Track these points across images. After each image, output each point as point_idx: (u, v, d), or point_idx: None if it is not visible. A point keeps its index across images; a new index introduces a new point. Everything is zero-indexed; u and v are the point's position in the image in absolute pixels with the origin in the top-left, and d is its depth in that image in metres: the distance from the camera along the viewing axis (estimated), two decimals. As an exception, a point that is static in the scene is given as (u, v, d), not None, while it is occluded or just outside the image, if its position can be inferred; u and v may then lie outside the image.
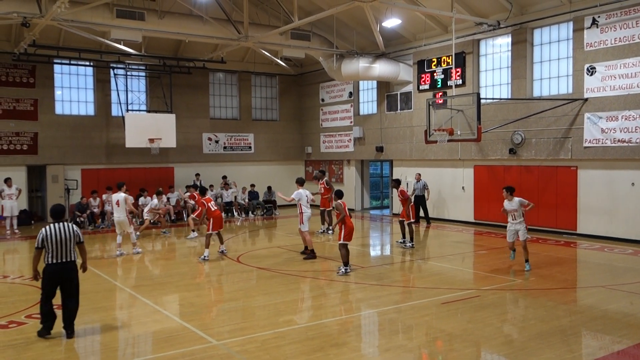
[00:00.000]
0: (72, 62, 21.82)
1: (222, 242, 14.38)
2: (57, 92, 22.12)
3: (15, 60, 20.40)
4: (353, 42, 22.10)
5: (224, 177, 23.65)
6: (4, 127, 20.78)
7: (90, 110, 22.81)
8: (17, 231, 18.87)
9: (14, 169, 20.68)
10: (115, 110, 22.92)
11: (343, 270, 11.79)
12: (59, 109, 22.11)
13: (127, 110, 22.23)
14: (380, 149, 22.95)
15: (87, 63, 22.22)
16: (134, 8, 17.83)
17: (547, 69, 17.46)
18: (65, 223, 7.91)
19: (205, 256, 13.47)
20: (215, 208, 14.16)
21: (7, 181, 18.95)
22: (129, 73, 22.88)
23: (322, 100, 26.29)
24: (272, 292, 10.54)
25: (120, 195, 14.33)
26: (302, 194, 13.62)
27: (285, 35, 19.99)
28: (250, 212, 23.37)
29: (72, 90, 22.53)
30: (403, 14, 19.06)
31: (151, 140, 21.16)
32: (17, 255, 15.93)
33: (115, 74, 22.59)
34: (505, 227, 12.29)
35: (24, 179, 21.09)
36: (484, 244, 15.96)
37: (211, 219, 13.76)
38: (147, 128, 21.20)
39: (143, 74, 23.59)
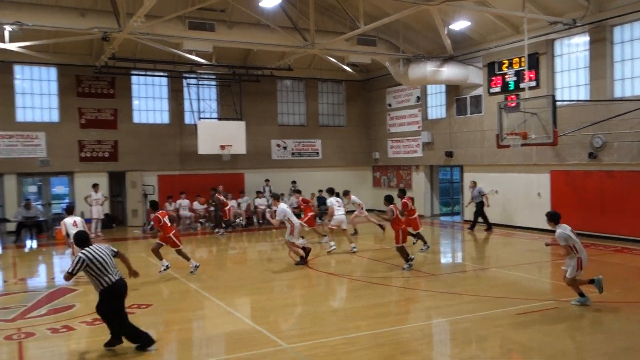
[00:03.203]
0: (148, 73, 22.81)
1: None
2: (135, 102, 23.16)
3: (97, 73, 21.55)
4: (420, 46, 21.88)
5: (294, 182, 23.95)
6: (87, 135, 21.97)
7: (165, 119, 23.73)
8: (100, 234, 19.94)
9: (96, 176, 21.84)
10: (188, 119, 23.73)
11: (407, 266, 12.60)
12: (136, 118, 23.14)
13: (200, 118, 22.96)
14: (449, 154, 22.56)
15: (162, 74, 23.14)
16: (205, 20, 18.41)
17: (630, 68, 16.57)
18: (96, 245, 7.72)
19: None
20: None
21: (95, 187, 20.10)
22: (200, 82, 23.66)
23: (389, 105, 26.15)
24: (341, 298, 10.58)
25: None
26: (286, 208, 13.74)
27: (351, 41, 20.05)
28: (318, 218, 23.51)
29: (148, 100, 23.53)
30: (472, 16, 18.69)
31: (222, 147, 21.75)
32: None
33: (187, 84, 23.41)
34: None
35: (105, 184, 22.18)
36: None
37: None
38: (219, 135, 21.82)
39: (214, 82, 24.30)
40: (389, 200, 12.94)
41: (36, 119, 21.48)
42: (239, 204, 22.14)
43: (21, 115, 21.20)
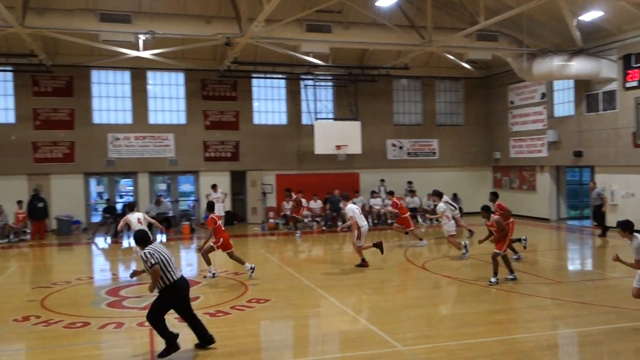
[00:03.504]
0: (268, 75, 23.60)
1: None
2: (255, 104, 24.06)
3: (220, 77, 22.66)
4: (545, 40, 20.64)
5: (409, 183, 23.64)
6: (212, 136, 23.18)
7: (283, 120, 24.41)
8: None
9: (219, 175, 22.99)
10: (305, 119, 24.23)
11: (512, 276, 11.46)
12: (256, 119, 24.04)
13: (316, 118, 23.36)
14: (578, 154, 21.05)
15: (280, 76, 23.83)
16: (322, 22, 18.68)
17: None
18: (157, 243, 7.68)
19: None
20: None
21: (214, 187, 21.16)
22: (317, 83, 24.07)
23: (511, 102, 24.96)
24: (458, 302, 10.22)
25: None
26: (355, 209, 13.38)
27: (471, 37, 19.37)
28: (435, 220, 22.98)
29: (268, 102, 24.33)
30: (605, 5, 17.28)
31: (338, 147, 21.95)
32: (220, 252, 17.56)
33: (305, 85, 23.90)
34: None
35: (227, 183, 23.28)
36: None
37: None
38: (334, 135, 22.05)
39: (330, 83, 24.61)
40: (486, 210, 11.70)
41: (166, 121, 23.02)
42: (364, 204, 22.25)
43: (153, 118, 22.83)
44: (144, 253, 7.27)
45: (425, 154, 25.83)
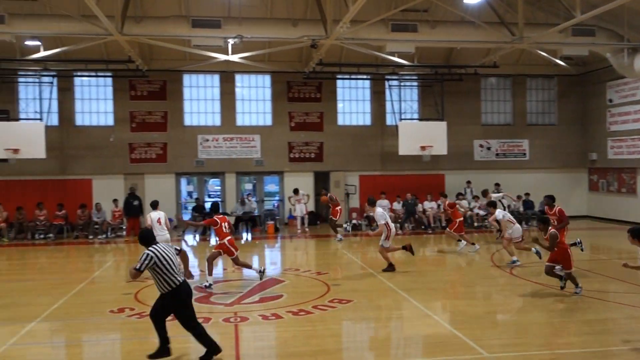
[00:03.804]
0: (352, 76, 23.61)
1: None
2: (339, 105, 24.14)
3: (306, 79, 22.94)
4: (650, 33, 19.27)
5: (497, 185, 22.84)
6: (296, 137, 23.51)
7: (367, 121, 24.33)
8: (307, 230, 21.24)
9: (303, 175, 23.30)
10: (389, 120, 24.03)
11: (579, 289, 10.54)
12: (340, 120, 24.11)
13: (401, 119, 23.08)
14: (685, 155, 19.49)
15: (365, 76, 23.77)
16: (408, 21, 18.44)
17: None
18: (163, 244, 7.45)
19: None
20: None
21: (296, 192, 21.46)
22: (402, 83, 23.79)
23: (610, 100, 23.48)
24: (549, 310, 9.72)
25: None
26: (385, 213, 13.28)
27: (565, 33, 18.40)
28: (524, 223, 22.07)
29: (352, 103, 24.34)
30: None
31: (423, 148, 21.58)
32: (303, 252, 17.81)
33: (389, 85, 23.69)
34: None
35: (311, 184, 23.53)
36: None
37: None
38: (419, 136, 21.69)
39: (415, 83, 24.25)
40: (544, 222, 10.81)
41: (252, 122, 23.60)
42: (438, 206, 21.77)
43: (240, 120, 23.48)
44: (143, 254, 7.11)
45: (515, 155, 24.86)
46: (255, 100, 23.73)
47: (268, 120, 23.68)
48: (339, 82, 23.99)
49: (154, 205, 13.59)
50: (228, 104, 23.26)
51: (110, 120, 22.63)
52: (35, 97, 21.30)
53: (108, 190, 21.75)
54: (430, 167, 23.62)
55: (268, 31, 18.20)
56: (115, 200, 20.99)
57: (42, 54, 19.08)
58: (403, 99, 23.72)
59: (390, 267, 13.18)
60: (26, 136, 19.34)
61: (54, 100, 21.68)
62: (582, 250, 13.11)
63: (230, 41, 17.62)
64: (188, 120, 23.17)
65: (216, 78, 23.31)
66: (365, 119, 24.38)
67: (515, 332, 8.57)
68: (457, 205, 16.94)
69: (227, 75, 23.06)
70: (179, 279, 7.15)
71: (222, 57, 19.66)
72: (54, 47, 19.15)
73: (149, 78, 22.18)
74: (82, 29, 16.90)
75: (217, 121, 23.29)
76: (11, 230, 20.02)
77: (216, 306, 10.15)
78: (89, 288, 12.01)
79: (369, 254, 16.04)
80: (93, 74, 21.95)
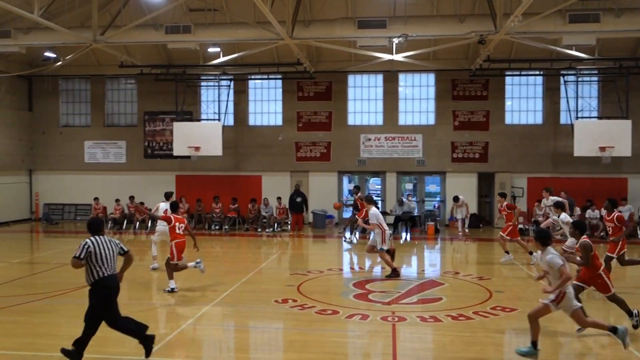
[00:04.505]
0: (523, 72, 22.27)
1: None
2: (507, 103, 22.95)
3: (472, 76, 22.15)
4: None
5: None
6: (460, 137, 22.81)
7: (539, 119, 22.81)
8: (467, 232, 20.50)
9: (466, 176, 22.58)
10: (563, 118, 22.29)
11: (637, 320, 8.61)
12: (508, 119, 22.91)
13: (577, 117, 21.26)
14: None
15: (537, 72, 22.30)
16: (588, 10, 16.91)
17: None
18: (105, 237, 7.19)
19: None
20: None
21: (456, 199, 20.62)
22: (580, 79, 21.88)
23: None
24: None
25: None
26: (378, 213, 12.78)
27: None
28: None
29: (522, 100, 22.99)
30: None
31: (602, 149, 19.65)
32: (463, 255, 17.21)
33: (565, 81, 21.95)
34: None
35: (474, 185, 22.70)
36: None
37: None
38: (598, 135, 19.79)
39: (595, 78, 22.20)
40: (581, 229, 8.64)
41: (415, 122, 23.37)
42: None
43: (403, 119, 23.38)
44: (81, 243, 6.98)
45: None
46: (419, 99, 23.47)
47: (431, 120, 23.29)
48: (508, 79, 22.80)
49: (168, 197, 13.84)
50: (391, 103, 23.30)
51: (279, 120, 23.89)
52: (215, 100, 23.23)
53: (276, 186, 23.03)
54: (610, 170, 21.48)
55: (434, 29, 17.88)
56: (279, 198, 22.09)
57: (222, 59, 20.74)
58: (580, 96, 21.80)
59: (394, 273, 12.53)
60: (206, 135, 21.16)
61: (230, 102, 23.51)
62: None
63: (395, 40, 17.60)
64: (351, 120, 23.64)
65: (380, 78, 23.47)
66: (535, 118, 22.88)
67: None
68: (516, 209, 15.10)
69: (390, 75, 23.11)
70: (107, 273, 6.97)
71: (386, 56, 19.74)
72: (231, 53, 20.70)
73: (316, 79, 23.02)
74: (257, 35, 18.08)
75: (380, 120, 23.45)
76: (191, 220, 22.07)
77: (374, 304, 10.18)
78: (257, 278, 12.78)
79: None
80: (265, 76, 23.36)
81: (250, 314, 9.77)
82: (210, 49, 20.68)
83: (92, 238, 7.04)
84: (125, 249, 7.28)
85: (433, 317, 9.25)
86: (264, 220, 21.63)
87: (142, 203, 21.96)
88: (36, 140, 24.91)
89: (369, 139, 23.20)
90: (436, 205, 23.93)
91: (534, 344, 7.11)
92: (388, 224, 13.57)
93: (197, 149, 20.90)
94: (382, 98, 23.46)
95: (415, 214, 21.55)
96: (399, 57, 19.60)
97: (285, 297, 10.57)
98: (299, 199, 21.48)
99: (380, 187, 24.46)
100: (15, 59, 22.89)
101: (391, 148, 23.09)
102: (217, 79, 23.04)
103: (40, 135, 24.91)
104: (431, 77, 23.27)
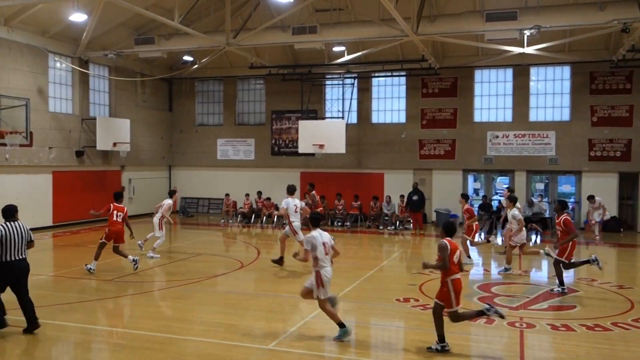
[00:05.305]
0: (674, 63, 20.17)
1: None
2: (654, 96, 20.93)
3: (613, 68, 20.44)
4: None
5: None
6: (599, 134, 21.17)
7: (693, 114, 20.57)
8: (597, 236, 18.87)
9: (605, 176, 20.95)
10: None
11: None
12: (655, 114, 20.91)
13: None
14: None
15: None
16: None
17: None
18: (19, 222, 8.06)
19: None
20: None
21: (590, 198, 19.13)
22: None
23: None
24: None
25: None
26: (290, 203, 13.10)
27: None
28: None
29: (672, 94, 20.85)
30: None
31: None
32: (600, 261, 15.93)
33: None
34: None
35: (615, 186, 20.98)
36: None
37: None
38: None
39: None
40: (445, 228, 7.78)
41: (547, 118, 22.05)
42: None
43: (534, 115, 22.17)
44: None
45: None
46: (552, 93, 22.13)
47: (565, 115, 21.85)
48: (655, 70, 20.79)
49: (172, 194, 15.37)
50: (521, 98, 22.20)
51: (402, 118, 23.70)
52: (339, 98, 23.57)
53: (398, 184, 22.86)
54: None
55: (570, 18, 16.74)
56: (401, 196, 21.88)
57: (346, 58, 21.01)
58: None
59: (279, 260, 13.04)
60: (330, 133, 21.53)
61: (354, 100, 23.73)
62: (599, 268, 11.16)
63: (527, 33, 16.74)
64: (478, 117, 22.86)
65: (509, 72, 22.44)
66: (688, 113, 20.65)
67: None
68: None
69: (521, 69, 22.01)
70: (16, 257, 7.85)
71: (516, 50, 18.87)
72: (356, 51, 20.90)
73: (441, 76, 22.54)
74: (381, 32, 18.09)
75: (508, 117, 22.43)
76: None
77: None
78: (378, 275, 12.80)
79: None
80: (389, 74, 23.27)
81: (372, 311, 9.81)
82: (335, 48, 21.03)
83: (3, 224, 7.95)
84: (31, 239, 8.20)
85: (565, 325, 8.70)
86: (386, 218, 21.57)
87: (268, 199, 22.91)
88: (175, 138, 26.88)
89: (497, 136, 22.29)
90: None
91: None
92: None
93: (321, 146, 21.35)
94: (511, 93, 22.43)
95: (547, 216, 20.35)
96: (530, 49, 18.64)
97: (407, 296, 10.48)
98: (415, 197, 21.16)
99: (507, 186, 23.40)
100: (157, 63, 24.90)
101: (521, 146, 22.00)
102: (342, 78, 23.37)
103: (178, 133, 26.85)
104: (566, 70, 21.83)
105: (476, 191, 25.37)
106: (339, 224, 22.22)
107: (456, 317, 7.52)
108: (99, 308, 9.93)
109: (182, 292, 10.48)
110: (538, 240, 18.98)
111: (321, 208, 17.91)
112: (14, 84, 18.35)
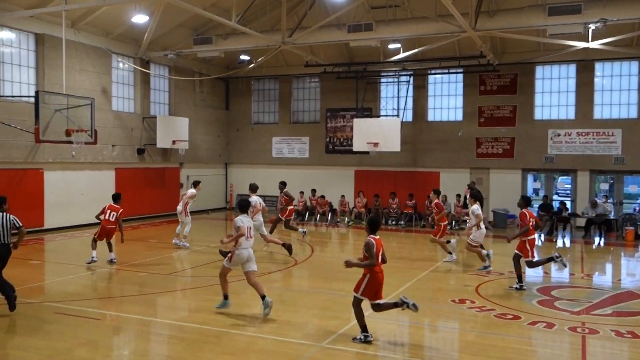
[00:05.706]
0: None
1: None
2: None
3: (685, 62, 19.39)
4: None
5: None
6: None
7: None
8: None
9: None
10: None
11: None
12: None
13: None
14: None
15: None
16: None
17: None
18: (4, 213, 8.93)
19: None
20: None
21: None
22: None
23: None
24: None
25: None
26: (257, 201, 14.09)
27: None
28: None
29: None
30: None
31: None
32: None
33: None
34: None
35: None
36: None
37: None
38: None
39: None
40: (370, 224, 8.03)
41: (613, 115, 21.11)
42: None
43: (598, 112, 21.28)
44: None
45: None
46: (618, 90, 21.15)
47: (633, 113, 20.86)
48: None
49: (196, 184, 16.03)
50: (585, 95, 21.34)
51: (459, 116, 23.25)
52: (394, 96, 23.36)
53: (454, 182, 22.42)
54: None
55: (638, 10, 15.94)
56: (458, 195, 21.48)
57: (401, 55, 20.78)
58: None
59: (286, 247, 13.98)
60: (385, 131, 21.33)
61: (409, 98, 23.44)
62: (564, 265, 11.55)
63: (592, 26, 16.06)
64: (538, 114, 22.13)
65: (572, 68, 21.61)
66: None
67: None
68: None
69: (585, 65, 21.16)
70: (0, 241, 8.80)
71: (580, 44, 18.18)
72: (411, 48, 20.64)
73: (500, 72, 21.96)
74: (438, 29, 17.78)
75: (571, 114, 21.61)
76: (367, 216, 22.46)
77: (561, 312, 9.43)
78: (432, 275, 12.60)
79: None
80: (445, 71, 22.88)
81: (426, 311, 9.64)
82: (391, 46, 20.83)
83: None
84: (19, 225, 8.95)
85: (631, 332, 8.31)
86: (442, 217, 21.19)
87: (322, 197, 22.95)
88: (231, 137, 27.34)
89: (558, 135, 21.53)
90: (637, 208, 21.35)
91: None
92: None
93: (375, 144, 21.19)
94: (574, 90, 21.58)
95: (612, 217, 19.50)
96: (595, 44, 17.92)
97: (463, 297, 10.28)
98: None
99: (570, 186, 22.60)
100: (215, 63, 25.39)
101: (584, 144, 21.16)
102: (397, 75, 23.14)
103: (234, 132, 27.29)
104: (634, 66, 20.83)
105: (536, 191, 24.62)
106: (393, 222, 22.02)
107: (378, 308, 7.91)
108: (157, 301, 10.22)
109: (237, 288, 10.62)
110: (602, 243, 18.23)
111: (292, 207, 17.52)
112: (80, 84, 19.12)
